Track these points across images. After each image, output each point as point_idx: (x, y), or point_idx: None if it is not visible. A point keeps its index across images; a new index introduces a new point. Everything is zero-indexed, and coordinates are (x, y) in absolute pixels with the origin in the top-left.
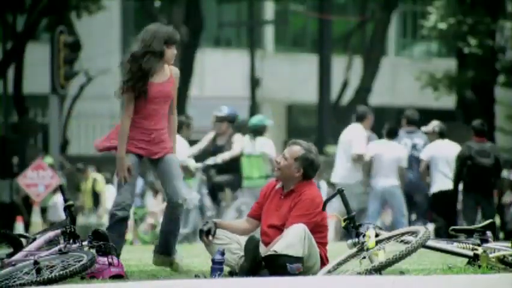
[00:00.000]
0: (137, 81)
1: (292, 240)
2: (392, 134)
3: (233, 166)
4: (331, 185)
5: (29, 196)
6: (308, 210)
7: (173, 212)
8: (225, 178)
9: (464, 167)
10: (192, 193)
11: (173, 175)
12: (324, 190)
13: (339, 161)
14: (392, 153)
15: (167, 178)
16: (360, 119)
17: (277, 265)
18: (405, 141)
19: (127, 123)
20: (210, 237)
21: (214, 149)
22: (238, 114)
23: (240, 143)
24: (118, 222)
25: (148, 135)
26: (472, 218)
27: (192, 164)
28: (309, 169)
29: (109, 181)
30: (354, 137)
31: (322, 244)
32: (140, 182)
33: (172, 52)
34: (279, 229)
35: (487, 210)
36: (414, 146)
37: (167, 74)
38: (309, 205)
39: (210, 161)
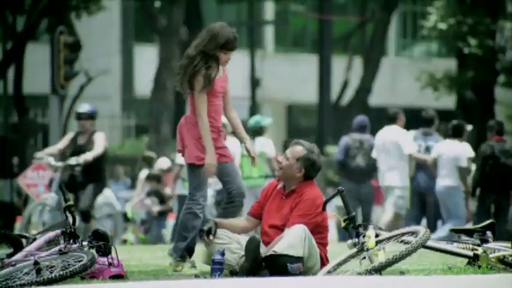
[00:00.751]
0: (205, 70)
1: (293, 240)
2: (458, 132)
3: (97, 166)
4: (328, 184)
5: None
6: (309, 210)
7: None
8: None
9: (486, 166)
10: (51, 194)
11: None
12: None
13: (387, 165)
14: (451, 152)
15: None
16: (393, 120)
17: (278, 265)
18: (420, 143)
19: (207, 120)
20: (211, 237)
21: (74, 149)
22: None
23: (103, 142)
24: (193, 217)
25: (218, 134)
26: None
27: (52, 163)
28: (311, 169)
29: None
30: (402, 137)
31: (322, 245)
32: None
33: (226, 57)
34: (280, 229)
35: (503, 211)
36: (427, 148)
37: (221, 70)
38: (310, 205)
39: (72, 161)
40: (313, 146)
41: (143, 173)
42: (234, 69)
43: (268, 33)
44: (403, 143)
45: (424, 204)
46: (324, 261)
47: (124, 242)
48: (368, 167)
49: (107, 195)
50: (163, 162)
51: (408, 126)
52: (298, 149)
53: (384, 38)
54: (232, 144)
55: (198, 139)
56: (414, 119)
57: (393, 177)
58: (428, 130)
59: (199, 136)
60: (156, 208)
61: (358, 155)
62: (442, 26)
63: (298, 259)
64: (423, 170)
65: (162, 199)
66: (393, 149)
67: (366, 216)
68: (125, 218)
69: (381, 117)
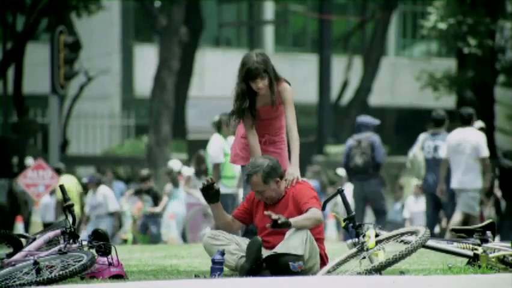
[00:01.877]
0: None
1: (294, 242)
2: None
3: None
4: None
5: (17, 197)
6: (311, 193)
7: None
8: None
9: None
10: None
11: None
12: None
13: (461, 166)
14: None
15: None
16: (468, 121)
17: (280, 265)
18: (428, 143)
19: (252, 142)
20: (210, 179)
21: None
22: None
23: None
24: None
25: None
26: None
27: None
28: (277, 172)
29: (99, 182)
30: (480, 140)
31: (320, 240)
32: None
33: (255, 86)
34: (281, 233)
35: None
36: (435, 148)
37: (265, 98)
38: (309, 191)
39: None
40: (254, 161)
41: (189, 170)
42: (234, 69)
43: (268, 33)
44: (482, 146)
45: (438, 204)
46: (323, 258)
47: (125, 241)
48: (364, 165)
49: (106, 194)
50: (175, 164)
51: (408, 125)
52: (257, 178)
53: (384, 37)
54: None
55: (240, 138)
56: (414, 118)
57: (468, 179)
58: (437, 130)
59: (241, 135)
60: (156, 209)
61: (356, 154)
62: (442, 26)
63: (299, 257)
64: (434, 172)
65: (156, 197)
66: (471, 151)
67: (380, 213)
68: (119, 218)
69: (381, 117)
